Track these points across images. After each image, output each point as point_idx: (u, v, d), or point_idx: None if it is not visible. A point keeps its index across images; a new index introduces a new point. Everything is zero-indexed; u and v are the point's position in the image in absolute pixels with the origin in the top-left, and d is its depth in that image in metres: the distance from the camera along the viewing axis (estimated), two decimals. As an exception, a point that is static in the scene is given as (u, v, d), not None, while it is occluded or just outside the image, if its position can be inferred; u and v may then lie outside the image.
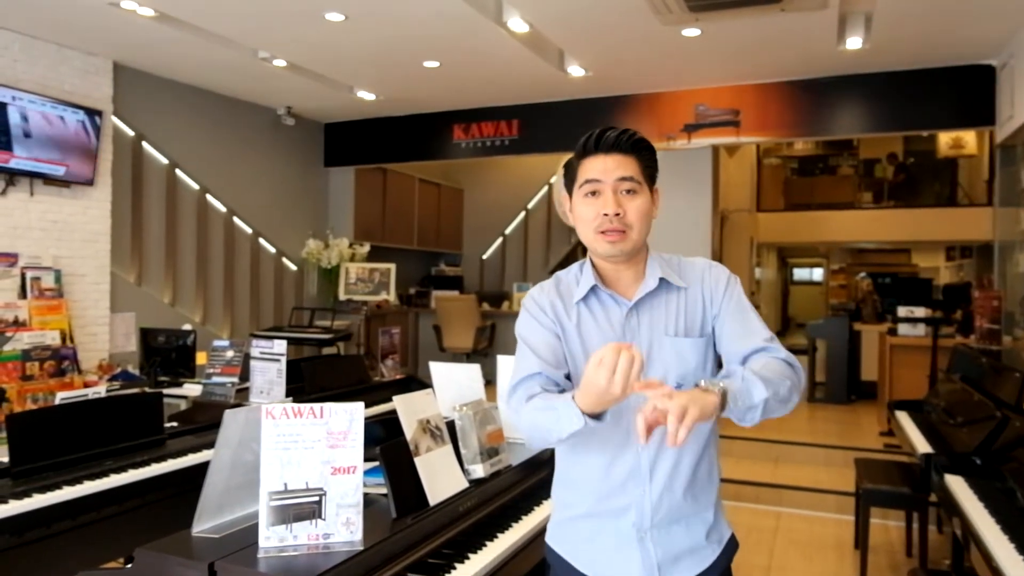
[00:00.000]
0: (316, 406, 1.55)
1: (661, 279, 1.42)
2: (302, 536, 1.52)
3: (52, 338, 4.76)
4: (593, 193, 1.40)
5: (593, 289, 1.44)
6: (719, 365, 1.47)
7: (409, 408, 1.87)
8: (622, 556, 1.42)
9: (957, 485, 2.57)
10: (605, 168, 1.39)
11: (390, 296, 7.58)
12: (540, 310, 1.46)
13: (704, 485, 1.44)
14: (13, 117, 4.89)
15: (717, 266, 1.49)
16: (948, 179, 11.18)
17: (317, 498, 1.54)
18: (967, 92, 5.51)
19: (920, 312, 5.62)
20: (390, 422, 1.99)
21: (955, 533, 2.74)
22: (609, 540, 1.43)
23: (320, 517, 1.53)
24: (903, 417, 3.87)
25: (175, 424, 3.12)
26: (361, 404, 1.59)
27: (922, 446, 3.24)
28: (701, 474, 1.43)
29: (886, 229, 10.80)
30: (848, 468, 4.54)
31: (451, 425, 2.06)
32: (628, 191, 1.38)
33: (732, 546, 1.50)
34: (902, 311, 5.70)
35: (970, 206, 10.30)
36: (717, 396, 1.20)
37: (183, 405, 3.85)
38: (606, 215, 1.37)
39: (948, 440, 3.27)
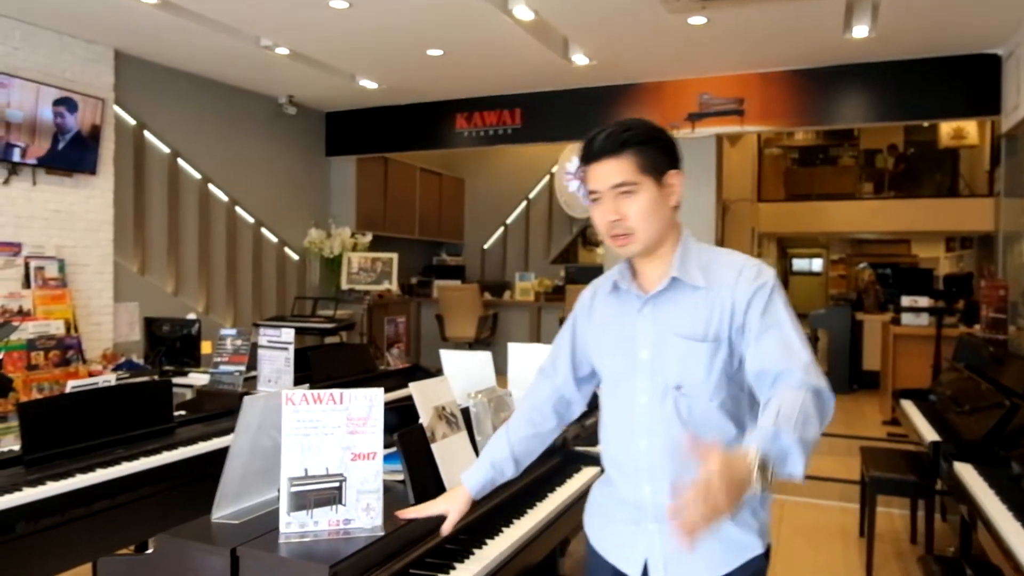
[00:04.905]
0: (336, 392, 1.55)
1: (674, 278, 1.39)
2: (323, 522, 1.53)
3: (56, 328, 4.74)
4: (597, 200, 1.41)
5: (616, 283, 1.48)
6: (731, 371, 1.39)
7: (425, 395, 1.87)
8: (628, 543, 1.43)
9: (967, 473, 2.58)
10: (599, 176, 1.39)
11: (392, 286, 7.57)
12: (574, 315, 1.60)
13: None
14: (14, 106, 4.86)
15: (752, 269, 1.38)
16: (949, 169, 11.15)
17: (337, 484, 1.54)
18: (973, 81, 5.49)
19: (924, 302, 5.63)
20: (399, 410, 1.99)
21: (963, 520, 2.76)
22: (619, 525, 1.46)
23: (340, 503, 1.54)
24: (909, 406, 3.88)
25: (183, 413, 3.12)
26: (381, 390, 1.59)
27: (929, 434, 3.24)
28: None
29: (886, 219, 10.79)
30: (851, 457, 4.56)
31: (464, 412, 2.06)
32: (625, 193, 1.37)
33: (754, 565, 1.37)
34: (906, 301, 5.70)
35: (971, 197, 10.29)
36: (752, 476, 1.09)
37: (188, 394, 3.85)
38: (608, 221, 1.39)
39: (955, 428, 3.28)
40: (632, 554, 1.42)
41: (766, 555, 1.40)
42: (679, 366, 1.36)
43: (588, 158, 1.40)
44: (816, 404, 1.21)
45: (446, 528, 1.61)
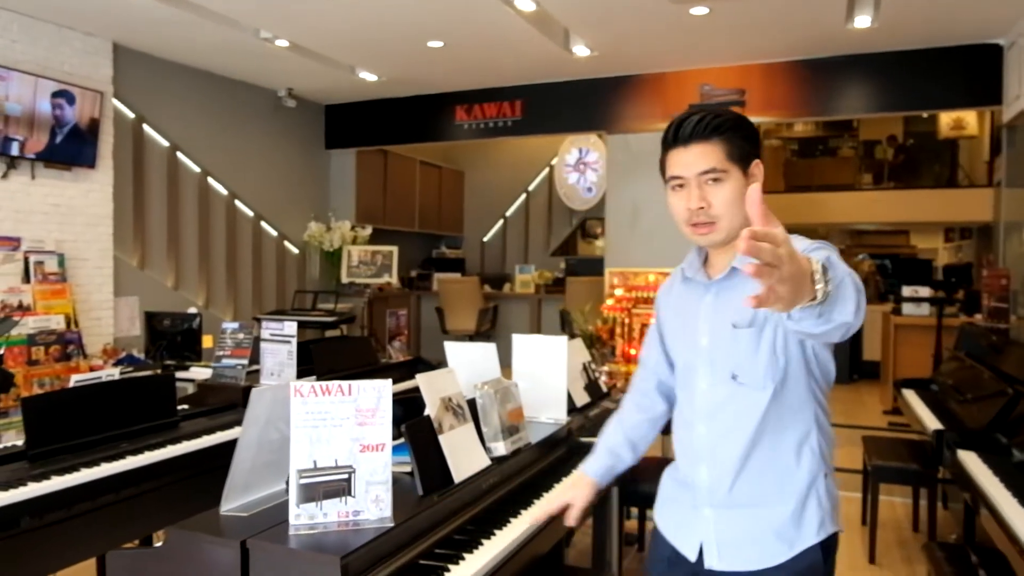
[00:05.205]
0: (344, 384, 1.55)
1: (733, 267, 1.37)
2: (332, 514, 1.52)
3: (57, 323, 4.74)
4: (680, 186, 1.38)
5: (684, 271, 1.51)
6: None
7: (432, 386, 1.87)
8: (687, 526, 1.47)
9: (971, 460, 2.59)
10: (686, 162, 1.36)
11: (392, 279, 7.57)
12: (657, 303, 1.62)
13: (769, 477, 1.38)
14: (13, 99, 4.84)
15: (801, 244, 1.24)
16: (948, 160, 11.15)
17: (346, 476, 1.53)
18: (974, 71, 5.48)
19: (925, 292, 5.64)
20: (403, 402, 1.98)
21: (966, 507, 2.77)
22: (680, 507, 1.51)
23: (350, 494, 1.53)
24: (911, 395, 3.88)
25: (186, 406, 3.12)
26: (389, 381, 1.58)
27: (932, 423, 3.25)
28: (758, 463, 1.37)
29: (886, 210, 10.78)
30: (852, 446, 4.56)
31: (470, 403, 2.06)
32: (714, 180, 1.34)
33: (809, 556, 1.35)
34: (907, 291, 5.71)
35: (970, 187, 10.29)
36: (816, 276, 0.98)
37: (190, 388, 3.84)
38: (691, 209, 1.36)
39: (958, 417, 3.28)
40: (689, 537, 1.45)
41: (825, 544, 1.36)
42: (731, 354, 1.37)
43: (675, 142, 1.38)
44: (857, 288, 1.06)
45: (571, 518, 1.68)
